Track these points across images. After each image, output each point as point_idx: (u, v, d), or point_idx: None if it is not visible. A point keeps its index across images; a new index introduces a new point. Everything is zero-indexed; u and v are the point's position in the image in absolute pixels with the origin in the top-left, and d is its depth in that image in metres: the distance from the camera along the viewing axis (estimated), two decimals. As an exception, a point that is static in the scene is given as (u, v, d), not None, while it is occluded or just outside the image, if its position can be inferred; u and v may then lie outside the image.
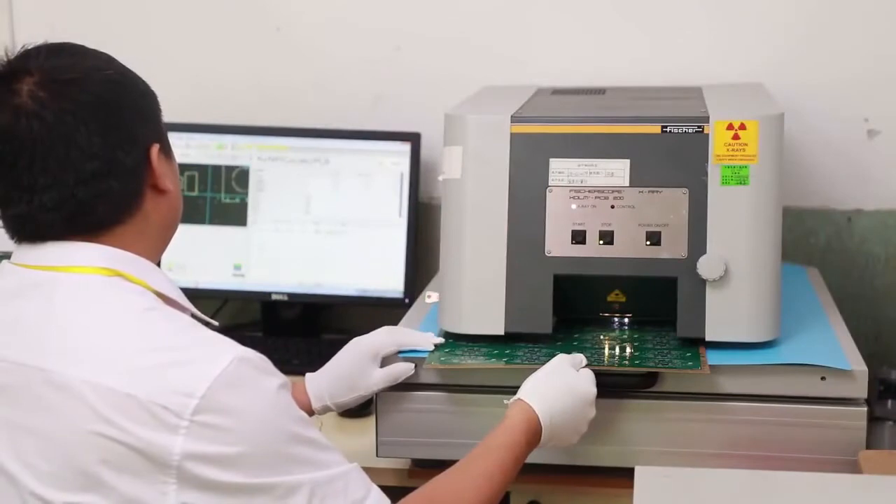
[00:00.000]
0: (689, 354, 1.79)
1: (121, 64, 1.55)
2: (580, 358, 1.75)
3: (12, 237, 1.52)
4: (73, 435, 1.39)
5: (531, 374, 1.72)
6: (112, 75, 1.52)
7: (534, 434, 1.67)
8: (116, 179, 1.49)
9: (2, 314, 1.48)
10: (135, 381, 1.38)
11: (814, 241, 2.44)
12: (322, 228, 2.48)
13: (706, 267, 1.78)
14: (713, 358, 1.77)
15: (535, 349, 1.81)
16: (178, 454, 1.37)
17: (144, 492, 1.38)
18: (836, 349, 1.83)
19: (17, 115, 1.45)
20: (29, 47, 1.51)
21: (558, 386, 1.71)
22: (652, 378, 1.78)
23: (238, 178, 2.49)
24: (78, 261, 1.48)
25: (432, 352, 1.82)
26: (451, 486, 1.60)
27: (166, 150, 1.57)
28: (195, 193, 2.50)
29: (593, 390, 1.73)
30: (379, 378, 1.81)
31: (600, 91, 2.24)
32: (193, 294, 2.56)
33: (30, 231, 1.50)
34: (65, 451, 1.39)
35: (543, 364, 1.74)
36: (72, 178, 1.46)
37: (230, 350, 1.41)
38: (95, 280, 1.47)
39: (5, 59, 1.50)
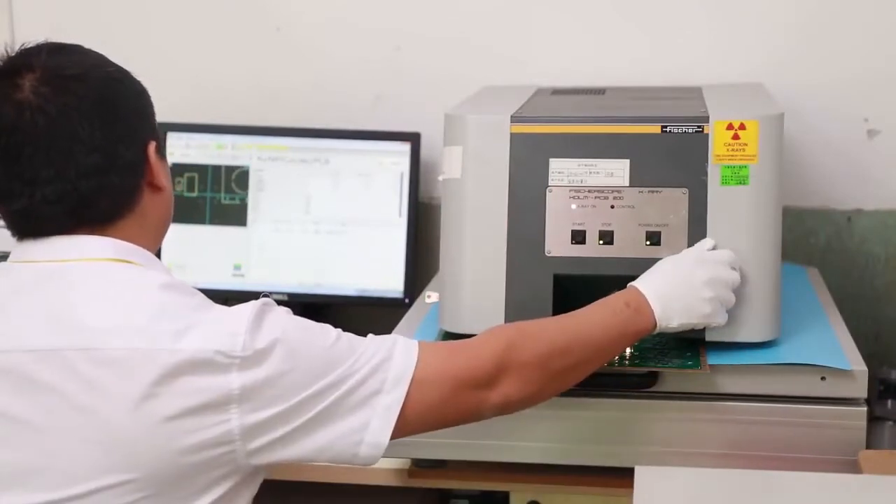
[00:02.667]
0: (689, 354, 1.79)
1: (116, 64, 1.57)
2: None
3: (14, 233, 1.54)
4: (129, 404, 1.41)
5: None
6: (113, 73, 1.55)
7: (637, 301, 1.68)
8: (117, 174, 1.52)
9: (22, 307, 1.48)
10: (180, 339, 1.43)
11: (814, 241, 2.44)
12: (322, 228, 2.48)
13: (706, 267, 1.78)
14: (713, 358, 1.77)
15: (535, 349, 1.81)
16: (237, 389, 1.43)
17: (209, 432, 1.43)
18: (836, 349, 1.83)
19: (20, 109, 1.47)
20: (29, 45, 1.53)
21: (663, 263, 1.75)
22: (652, 378, 1.78)
23: (238, 178, 2.49)
24: (87, 252, 1.51)
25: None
26: (536, 324, 1.66)
27: (161, 149, 1.60)
28: (195, 193, 2.50)
29: (710, 254, 1.75)
30: None
31: (600, 91, 2.24)
32: (193, 294, 2.56)
33: (31, 225, 1.52)
34: (122, 422, 1.41)
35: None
36: (73, 171, 1.49)
37: (245, 304, 1.51)
38: (110, 265, 1.51)
39: (6, 55, 1.52)
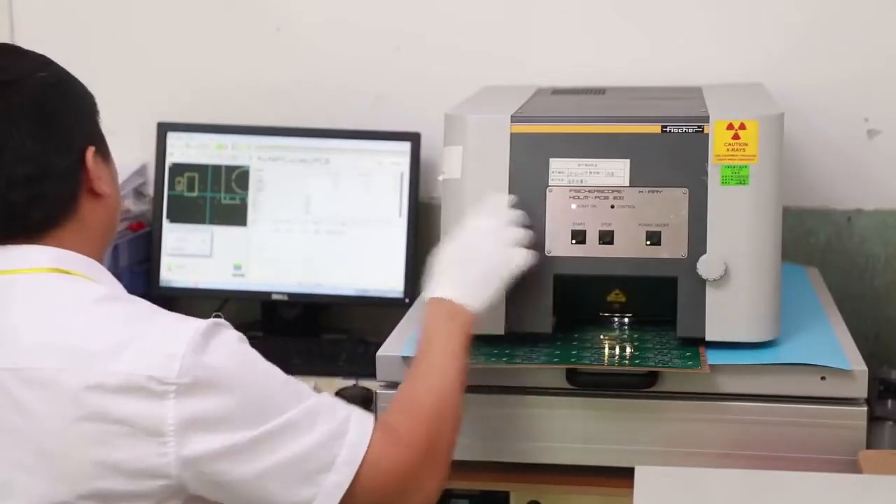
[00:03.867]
0: (689, 354, 1.78)
1: (58, 66, 1.54)
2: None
3: None
4: (60, 427, 1.38)
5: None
6: (48, 78, 1.51)
7: (449, 309, 1.66)
8: (51, 183, 1.48)
9: None
10: (113, 360, 1.39)
11: (814, 241, 2.44)
12: (322, 228, 2.48)
13: (706, 267, 1.78)
14: (713, 358, 1.77)
15: (535, 349, 1.81)
16: (172, 420, 1.38)
17: (143, 462, 1.38)
18: (836, 349, 1.83)
19: None
20: None
21: (439, 265, 1.74)
22: (652, 378, 1.78)
23: (238, 178, 2.49)
24: (25, 264, 1.47)
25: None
26: (404, 391, 1.61)
27: (104, 154, 1.56)
28: (195, 193, 2.50)
29: (469, 223, 1.76)
30: None
31: (600, 91, 2.24)
32: (193, 294, 2.58)
33: None
34: (53, 445, 1.38)
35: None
36: (3, 181, 1.46)
37: (194, 319, 1.44)
38: (48, 277, 1.47)
39: None
